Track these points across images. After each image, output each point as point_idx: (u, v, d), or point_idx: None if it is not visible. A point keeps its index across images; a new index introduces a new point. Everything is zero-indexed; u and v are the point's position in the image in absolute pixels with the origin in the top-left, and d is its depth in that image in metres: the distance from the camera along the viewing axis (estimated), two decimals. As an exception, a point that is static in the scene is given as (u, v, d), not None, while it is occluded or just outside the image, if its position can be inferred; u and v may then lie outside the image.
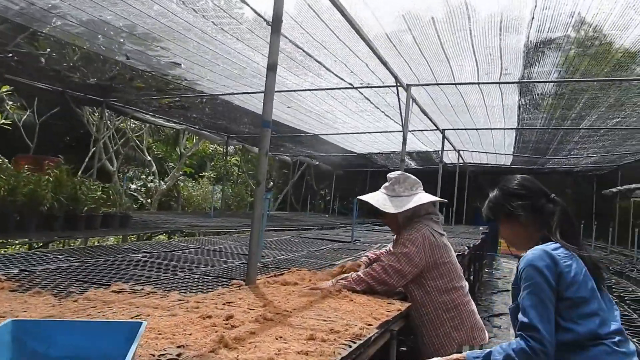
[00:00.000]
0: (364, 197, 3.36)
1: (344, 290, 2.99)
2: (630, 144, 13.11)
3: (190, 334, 1.96)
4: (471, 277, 9.25)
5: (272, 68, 3.20)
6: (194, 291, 2.85)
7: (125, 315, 2.18)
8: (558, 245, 2.01)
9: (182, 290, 2.83)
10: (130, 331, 1.55)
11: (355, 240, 7.04)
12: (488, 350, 2.00)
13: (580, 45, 6.52)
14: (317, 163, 20.39)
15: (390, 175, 3.36)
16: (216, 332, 2.01)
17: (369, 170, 20.88)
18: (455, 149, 15.16)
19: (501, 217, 2.28)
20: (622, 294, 4.96)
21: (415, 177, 3.33)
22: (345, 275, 3.20)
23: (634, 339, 3.15)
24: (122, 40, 6.49)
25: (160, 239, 10.26)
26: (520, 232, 2.24)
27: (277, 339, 1.99)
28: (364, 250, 5.71)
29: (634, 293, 5.12)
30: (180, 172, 18.48)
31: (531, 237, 2.17)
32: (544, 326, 1.82)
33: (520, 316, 1.90)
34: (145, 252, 4.32)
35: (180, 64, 7.16)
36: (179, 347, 1.81)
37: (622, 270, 7.08)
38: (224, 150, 16.99)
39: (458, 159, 16.21)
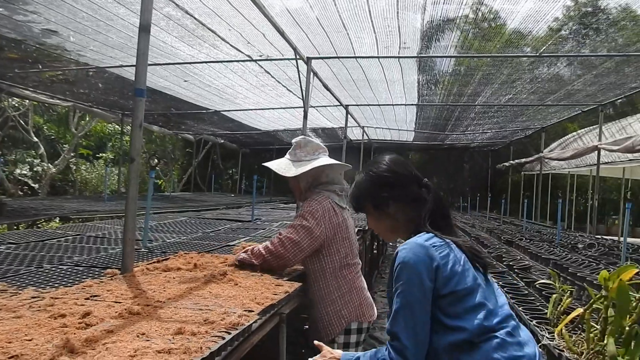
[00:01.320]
0: (267, 163, 3.25)
1: (232, 272, 2.82)
2: (521, 120, 13.87)
3: (30, 340, 1.65)
4: (374, 251, 9.36)
5: (144, 29, 2.85)
6: (55, 285, 2.48)
7: (-45, 321, 1.81)
8: (431, 235, 1.74)
9: (41, 286, 2.46)
10: None
11: (256, 219, 6.82)
12: (360, 354, 1.79)
13: (475, 24, 6.66)
14: (222, 141, 19.84)
15: (294, 140, 3.25)
16: (65, 334, 1.71)
17: (275, 148, 20.66)
18: (359, 125, 15.29)
19: (368, 207, 1.97)
20: (510, 263, 5.13)
21: (319, 142, 3.22)
22: (247, 248, 3.11)
23: (521, 308, 3.20)
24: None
25: (53, 226, 9.46)
26: (390, 224, 1.94)
27: (138, 336, 1.73)
28: (263, 229, 5.51)
29: (522, 262, 5.32)
30: (72, 154, 17.19)
31: (403, 229, 1.90)
32: (407, 335, 1.59)
33: (389, 322, 1.67)
34: (11, 243, 3.82)
35: (56, 32, 6.45)
36: (11, 357, 1.49)
37: (512, 240, 7.41)
38: (121, 129, 16.00)
39: (362, 135, 16.39)
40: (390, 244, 15.01)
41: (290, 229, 2.95)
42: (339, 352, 1.90)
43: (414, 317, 1.60)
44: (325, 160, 3.10)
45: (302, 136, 3.28)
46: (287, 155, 3.22)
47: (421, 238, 1.72)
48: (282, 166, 3.14)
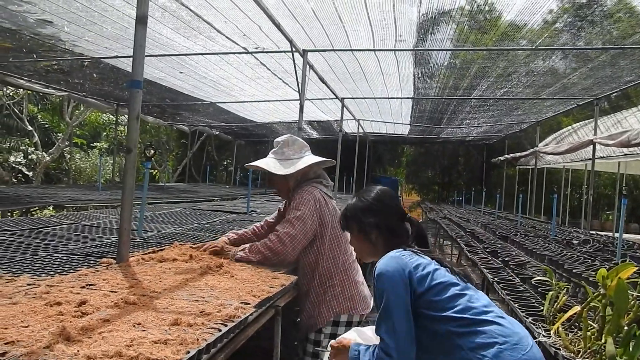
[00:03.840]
0: (253, 163, 3.28)
1: (229, 264, 2.84)
2: (516, 114, 13.89)
3: (27, 326, 1.66)
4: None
5: (141, 21, 2.84)
6: (50, 273, 2.49)
7: (-50, 308, 1.81)
8: (401, 249, 1.99)
9: (36, 273, 2.47)
10: None
11: (252, 211, 6.82)
12: (364, 346, 1.95)
13: (471, 16, 6.65)
14: (217, 133, 19.78)
15: (278, 139, 3.28)
16: (61, 322, 1.71)
17: (271, 140, 20.62)
18: (355, 119, 15.28)
19: (353, 228, 2.23)
20: (506, 259, 5.14)
21: (303, 140, 3.28)
22: (245, 245, 3.11)
23: (517, 304, 3.21)
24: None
25: (47, 214, 9.44)
26: (367, 247, 2.19)
27: (134, 326, 1.74)
28: (258, 221, 5.50)
29: (517, 257, 5.34)
30: (66, 143, 17.12)
31: (378, 252, 2.10)
32: (388, 335, 1.80)
33: (375, 326, 1.92)
34: (5, 229, 3.81)
35: (51, 22, 6.41)
36: (7, 343, 1.51)
37: (507, 235, 7.42)
38: (115, 120, 15.92)
39: (358, 128, 16.38)
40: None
41: (285, 223, 2.99)
42: (348, 339, 2.08)
43: (392, 319, 1.81)
44: (314, 158, 3.17)
45: (288, 135, 3.31)
46: (272, 155, 3.24)
47: (393, 252, 1.97)
48: (271, 165, 3.15)
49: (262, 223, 3.56)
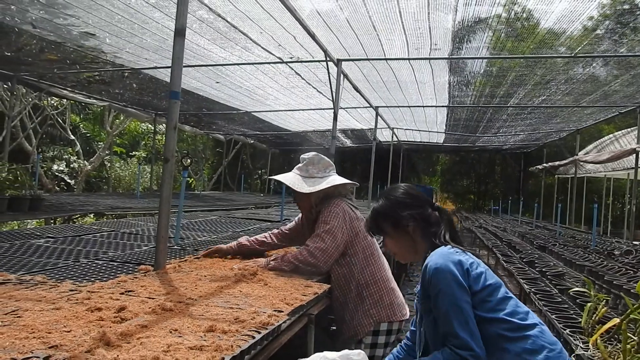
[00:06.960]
0: (277, 177, 3.31)
1: (262, 272, 2.86)
2: (555, 122, 13.60)
3: (69, 331, 1.71)
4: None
5: (180, 33, 2.91)
6: (91, 279, 2.56)
7: (-2, 311, 1.89)
8: (450, 246, 1.94)
9: (78, 279, 2.54)
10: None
11: (285, 219, 6.86)
12: None
13: (508, 24, 6.57)
14: (252, 141, 19.99)
15: (304, 156, 3.31)
16: (101, 327, 1.76)
17: (305, 149, 20.71)
18: (389, 127, 15.22)
19: (388, 228, 2.15)
20: (543, 269, 5.03)
21: (328, 159, 3.31)
22: (277, 255, 3.12)
23: (554, 316, 3.14)
24: (26, 6, 5.90)
25: (88, 221, 9.71)
26: (407, 243, 2.12)
27: (171, 332, 1.77)
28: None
29: (555, 268, 5.22)
30: (107, 152, 17.60)
31: (418, 247, 2.08)
32: (464, 331, 1.70)
33: (440, 325, 1.78)
34: (49, 236, 3.95)
35: (94, 34, 6.64)
36: (50, 347, 1.56)
37: (546, 245, 7.25)
38: (154, 129, 16.30)
39: (392, 136, 16.30)
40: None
41: (315, 238, 3.01)
42: None
43: (464, 314, 1.72)
44: (338, 179, 3.18)
45: (314, 153, 3.32)
46: (297, 171, 3.26)
47: (444, 249, 1.91)
48: (295, 181, 3.18)
49: (276, 231, 3.53)
